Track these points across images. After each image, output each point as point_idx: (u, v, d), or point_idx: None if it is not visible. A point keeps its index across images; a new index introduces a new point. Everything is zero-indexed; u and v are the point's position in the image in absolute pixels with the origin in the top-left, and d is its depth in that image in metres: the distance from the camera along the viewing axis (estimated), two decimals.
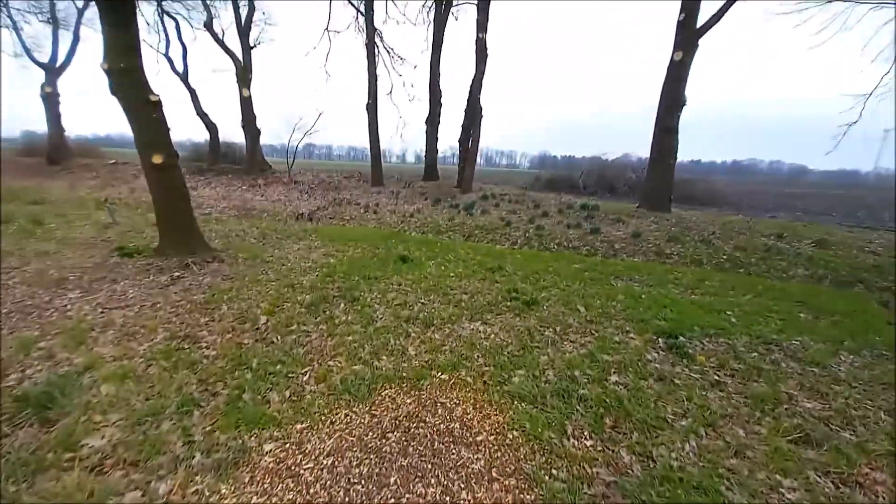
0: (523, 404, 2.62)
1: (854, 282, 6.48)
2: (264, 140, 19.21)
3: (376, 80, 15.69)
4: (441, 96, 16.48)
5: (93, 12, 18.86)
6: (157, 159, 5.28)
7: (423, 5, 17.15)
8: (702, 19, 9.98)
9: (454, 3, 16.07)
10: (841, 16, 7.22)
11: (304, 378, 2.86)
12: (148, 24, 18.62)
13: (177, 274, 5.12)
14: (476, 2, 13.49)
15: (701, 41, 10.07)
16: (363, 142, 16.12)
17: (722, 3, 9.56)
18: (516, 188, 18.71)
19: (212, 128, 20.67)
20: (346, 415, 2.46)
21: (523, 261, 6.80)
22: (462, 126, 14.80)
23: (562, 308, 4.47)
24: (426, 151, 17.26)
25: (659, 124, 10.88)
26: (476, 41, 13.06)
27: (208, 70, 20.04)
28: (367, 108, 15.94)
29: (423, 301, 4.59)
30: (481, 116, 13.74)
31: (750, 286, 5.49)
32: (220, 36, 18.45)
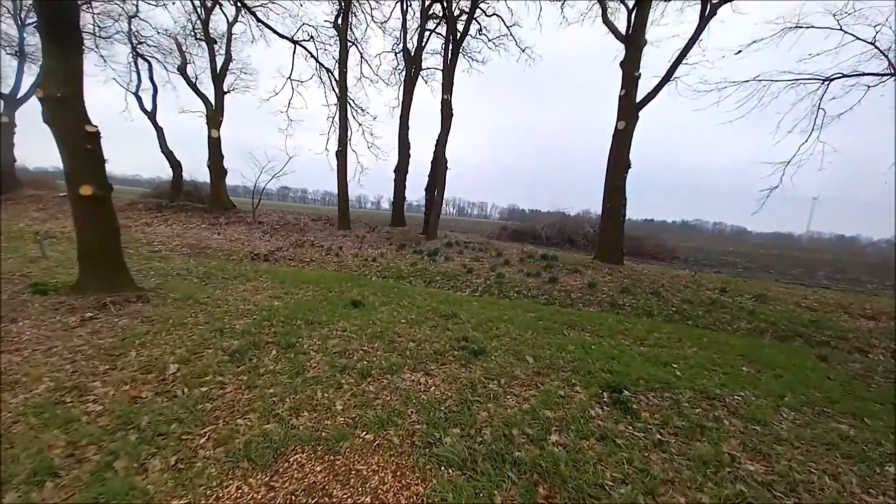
0: (450, 470, 2.33)
1: (793, 335, 6.74)
2: (237, 181, 18.97)
3: (346, 129, 16.12)
4: (409, 147, 17.06)
5: None
6: (86, 190, 4.92)
7: (395, 69, 18.29)
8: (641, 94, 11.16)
9: (423, 67, 17.25)
10: (758, 93, 8.24)
11: (201, 440, 2.45)
12: (103, 57, 18.75)
13: (89, 314, 4.57)
14: (441, 68, 14.59)
15: (641, 113, 11.17)
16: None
17: (656, 83, 10.77)
18: (481, 237, 19.06)
19: (176, 165, 20.27)
20: (238, 488, 2.08)
21: (479, 308, 6.66)
22: (429, 176, 15.25)
23: (511, 358, 4.28)
24: (394, 198, 17.48)
25: (608, 184, 11.62)
26: (441, 101, 13.89)
27: (181, 108, 19.87)
28: (336, 155, 16.18)
29: (365, 349, 4.28)
30: (446, 168, 14.23)
31: (696, 339, 5.56)
32: (194, 79, 18.66)
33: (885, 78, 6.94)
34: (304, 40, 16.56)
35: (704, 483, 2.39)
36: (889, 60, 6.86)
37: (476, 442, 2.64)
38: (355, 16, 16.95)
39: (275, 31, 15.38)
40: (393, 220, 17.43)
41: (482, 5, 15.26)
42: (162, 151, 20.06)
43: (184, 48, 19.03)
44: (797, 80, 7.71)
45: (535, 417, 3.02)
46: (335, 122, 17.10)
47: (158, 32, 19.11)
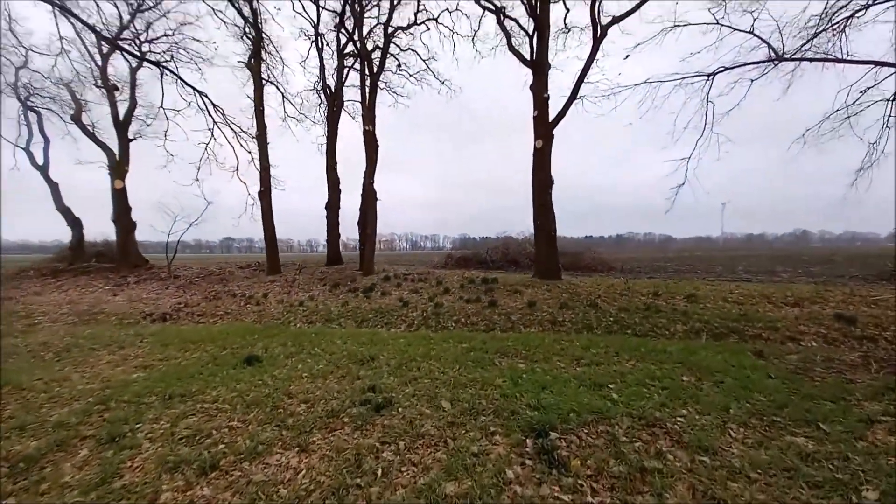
0: None
1: (727, 332, 6.60)
2: (161, 237, 16.79)
3: (268, 169, 15.10)
4: (339, 183, 16.31)
5: None
6: None
7: (318, 106, 17.82)
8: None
9: (344, 100, 16.93)
10: (650, 94, 8.60)
11: None
12: None
13: None
14: (360, 101, 14.28)
15: (556, 131, 11.47)
16: (289, 233, 14.50)
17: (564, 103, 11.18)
18: (427, 267, 18.38)
19: (75, 224, 17.88)
20: None
21: (405, 346, 5.83)
22: (360, 210, 14.49)
23: (423, 407, 3.49)
24: (328, 236, 16.41)
25: (536, 202, 11.58)
26: (364, 133, 13.46)
27: (78, 160, 17.54)
28: (259, 196, 15.02)
29: (232, 425, 3.28)
30: (376, 200, 13.60)
31: (633, 350, 5.12)
32: (91, 128, 16.87)
33: (766, 67, 7.32)
34: (164, 61, 15.32)
35: None
36: (770, 46, 7.24)
37: None
38: (270, 55, 16.45)
39: (133, 55, 14.16)
40: (329, 259, 16.27)
41: (395, 41, 15.43)
42: (57, 209, 17.68)
43: (78, 96, 17.28)
44: (684, 77, 8.10)
45: (432, 498, 2.22)
46: (210, 149, 15.93)
47: (53, 83, 17.28)
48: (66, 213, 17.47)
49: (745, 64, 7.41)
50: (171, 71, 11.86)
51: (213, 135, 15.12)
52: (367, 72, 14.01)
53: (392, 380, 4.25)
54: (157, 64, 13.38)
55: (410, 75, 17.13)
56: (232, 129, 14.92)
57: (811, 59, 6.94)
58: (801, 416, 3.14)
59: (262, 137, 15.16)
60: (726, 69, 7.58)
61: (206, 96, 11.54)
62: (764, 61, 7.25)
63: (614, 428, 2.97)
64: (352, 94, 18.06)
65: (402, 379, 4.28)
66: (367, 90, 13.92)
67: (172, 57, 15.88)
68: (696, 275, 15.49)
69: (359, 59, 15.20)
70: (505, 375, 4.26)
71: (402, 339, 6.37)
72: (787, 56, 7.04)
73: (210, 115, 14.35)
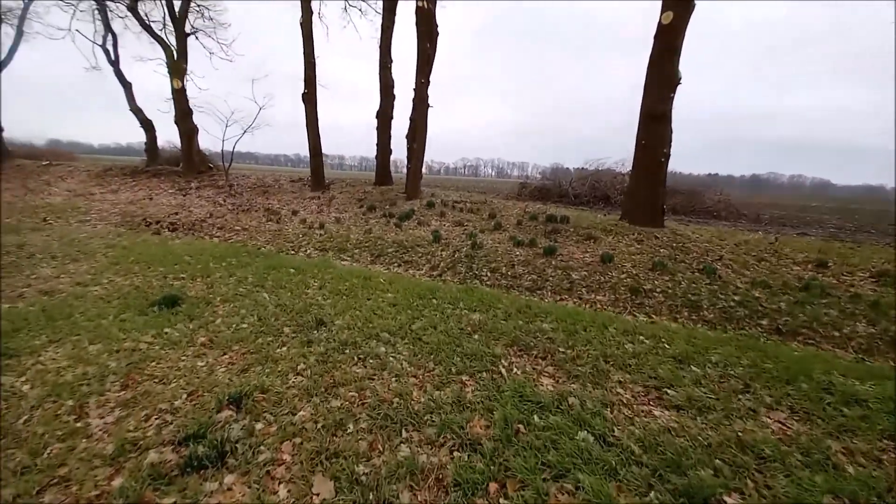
0: None
1: None
2: (254, 147, 16.82)
3: (314, 66, 13.14)
4: (393, 86, 13.79)
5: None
6: None
7: None
8: None
9: None
10: None
11: None
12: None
13: None
14: None
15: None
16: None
17: None
18: (489, 196, 15.86)
19: (147, 126, 18.48)
20: None
21: (388, 306, 3.97)
22: (410, 119, 12.08)
23: (274, 485, 1.61)
24: (377, 151, 14.49)
25: (645, 110, 7.85)
26: (417, 11, 10.31)
27: (139, 56, 17.50)
28: (303, 98, 13.35)
29: None
30: (428, 106, 11.00)
31: (782, 379, 2.49)
32: (147, 20, 16.26)
33: None
34: None
35: None
36: None
37: None
38: None
39: None
40: (377, 178, 14.58)
41: None
42: (130, 110, 18.22)
43: None
44: None
45: None
46: None
47: None
48: (137, 113, 17.91)
49: None
50: None
51: (302, 37, 13.03)
52: None
53: (297, 382, 2.44)
54: None
55: None
56: None
57: None
58: None
59: (307, 25, 12.95)
60: None
61: None
62: None
63: None
64: None
65: (315, 385, 2.43)
66: None
67: None
68: (872, 235, 10.65)
69: None
70: (497, 411, 2.16)
71: (392, 294, 4.46)
72: None
73: None
